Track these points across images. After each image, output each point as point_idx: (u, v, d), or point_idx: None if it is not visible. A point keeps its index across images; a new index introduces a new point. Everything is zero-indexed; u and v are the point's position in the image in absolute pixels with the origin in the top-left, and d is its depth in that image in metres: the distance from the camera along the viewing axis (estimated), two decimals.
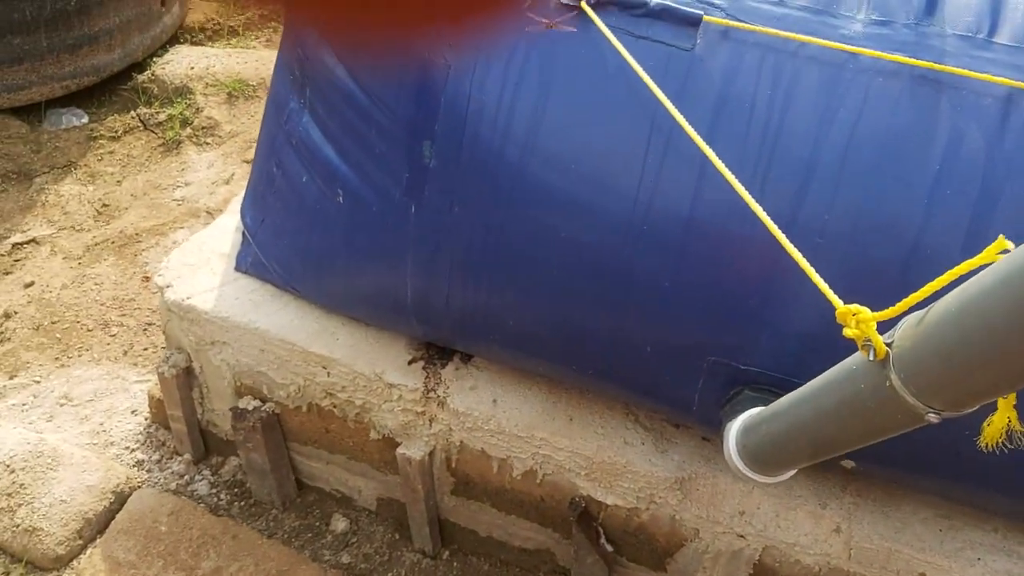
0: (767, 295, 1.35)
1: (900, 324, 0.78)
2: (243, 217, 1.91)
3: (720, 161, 1.17)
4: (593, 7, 1.37)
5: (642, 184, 1.36)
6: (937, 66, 1.28)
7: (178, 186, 3.04)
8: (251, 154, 3.19)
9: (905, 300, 0.76)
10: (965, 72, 1.27)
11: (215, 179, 3.08)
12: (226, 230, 2.04)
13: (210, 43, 3.86)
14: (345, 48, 1.51)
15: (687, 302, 1.39)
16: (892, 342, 0.78)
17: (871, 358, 0.78)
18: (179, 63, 3.53)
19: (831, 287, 1.36)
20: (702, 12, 1.36)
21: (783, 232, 1.33)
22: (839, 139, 1.30)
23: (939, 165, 1.27)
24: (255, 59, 3.63)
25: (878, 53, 1.30)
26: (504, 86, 1.40)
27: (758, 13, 1.36)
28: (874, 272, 1.30)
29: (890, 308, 0.77)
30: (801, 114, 1.32)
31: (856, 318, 0.79)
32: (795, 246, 1.34)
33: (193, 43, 3.82)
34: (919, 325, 0.74)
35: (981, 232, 1.25)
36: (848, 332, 0.80)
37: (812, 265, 1.35)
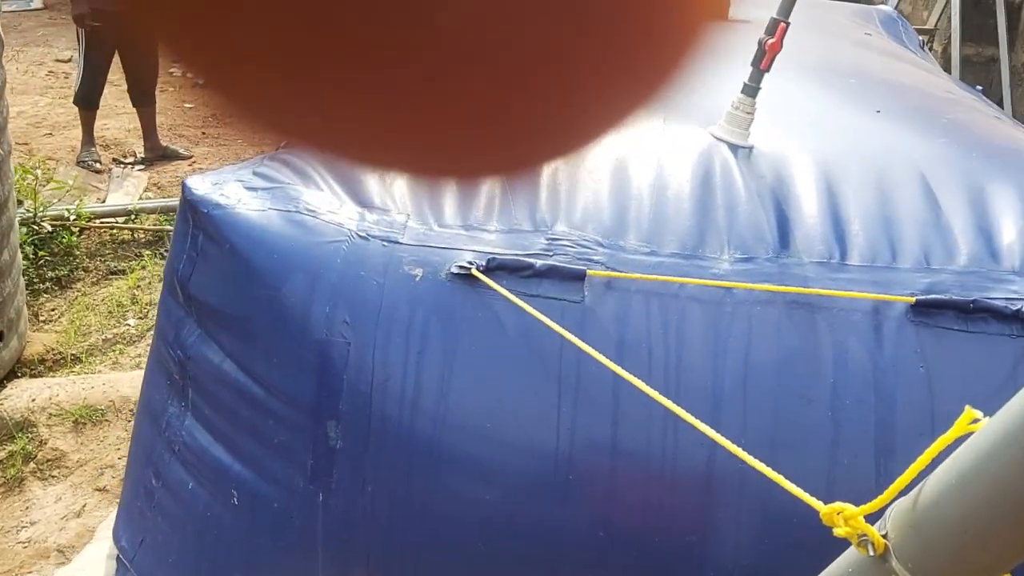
0: (705, 530, 1.32)
1: (888, 513, 0.77)
2: (117, 541, 1.71)
3: (681, 409, 1.18)
4: (483, 272, 1.43)
5: (559, 438, 1.35)
6: (805, 290, 1.40)
7: (23, 527, 2.73)
8: (103, 481, 2.96)
9: (891, 488, 0.76)
10: (831, 292, 1.39)
11: (64, 513, 2.80)
12: (93, 561, 1.82)
13: (51, 373, 3.68)
14: None
15: (624, 549, 1.34)
16: (886, 533, 0.77)
17: (871, 554, 0.76)
18: (19, 397, 3.32)
19: (755, 509, 1.36)
20: (584, 267, 1.44)
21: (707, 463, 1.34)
22: (736, 367, 1.36)
23: (833, 378, 1.34)
24: (102, 383, 3.47)
25: (750, 285, 1.41)
26: (408, 356, 1.39)
27: (634, 263, 1.46)
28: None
29: (876, 499, 0.77)
30: (696, 349, 1.38)
31: (843, 516, 0.78)
32: (718, 476, 1.35)
33: (33, 375, 3.64)
34: (915, 508, 0.73)
35: (888, 438, 1.31)
36: (839, 532, 0.78)
37: (738, 494, 1.36)
